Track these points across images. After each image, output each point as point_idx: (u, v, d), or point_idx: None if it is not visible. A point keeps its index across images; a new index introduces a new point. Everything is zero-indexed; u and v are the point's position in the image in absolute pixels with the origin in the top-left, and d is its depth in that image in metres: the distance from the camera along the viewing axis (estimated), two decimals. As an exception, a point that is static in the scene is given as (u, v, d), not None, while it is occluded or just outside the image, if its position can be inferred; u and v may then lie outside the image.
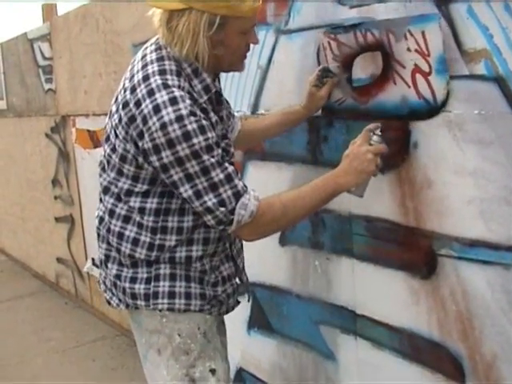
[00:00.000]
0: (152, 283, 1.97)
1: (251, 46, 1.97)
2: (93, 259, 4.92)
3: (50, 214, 5.78)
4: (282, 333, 2.82)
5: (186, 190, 1.80)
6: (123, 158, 1.88)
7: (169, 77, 1.81)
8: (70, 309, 5.45)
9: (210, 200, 1.80)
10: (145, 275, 1.98)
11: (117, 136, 1.88)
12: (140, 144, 1.80)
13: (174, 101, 1.75)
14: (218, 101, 1.99)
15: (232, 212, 1.82)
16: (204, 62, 1.84)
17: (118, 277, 2.02)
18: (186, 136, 1.73)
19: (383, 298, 2.25)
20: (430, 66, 1.93)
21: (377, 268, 2.25)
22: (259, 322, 2.96)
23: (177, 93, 1.77)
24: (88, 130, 4.66)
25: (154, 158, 1.78)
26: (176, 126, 1.73)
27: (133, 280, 1.99)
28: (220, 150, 1.83)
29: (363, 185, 1.99)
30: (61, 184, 5.45)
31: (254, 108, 2.75)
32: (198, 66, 1.86)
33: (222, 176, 1.79)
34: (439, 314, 2.04)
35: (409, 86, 2.01)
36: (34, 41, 5.55)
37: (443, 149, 1.93)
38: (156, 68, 1.83)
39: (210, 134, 1.78)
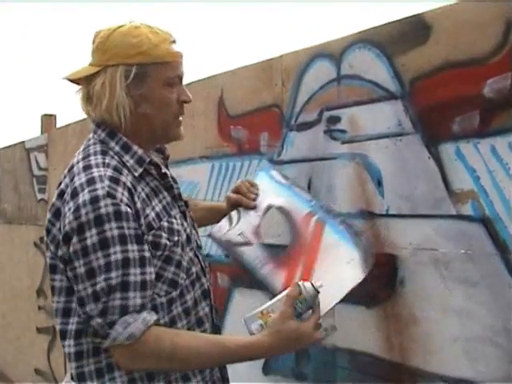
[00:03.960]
0: None
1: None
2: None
3: (32, 324, 5.66)
4: None
5: (84, 288, 1.57)
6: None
7: (94, 168, 1.66)
8: (44, 424, 5.27)
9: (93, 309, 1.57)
10: None
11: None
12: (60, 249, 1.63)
13: (91, 181, 1.60)
14: (160, 176, 1.81)
15: (111, 325, 1.56)
16: (126, 119, 1.68)
17: None
18: (98, 220, 1.55)
19: (366, 434, 2.20)
20: None
21: (360, 403, 2.21)
22: None
23: (96, 174, 1.62)
24: (77, 242, 4.63)
25: (63, 250, 1.60)
26: (89, 208, 1.55)
27: None
28: (145, 246, 1.62)
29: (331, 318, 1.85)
30: (45, 294, 5.37)
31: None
32: (126, 140, 1.73)
33: (119, 280, 1.55)
34: None
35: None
36: (30, 150, 5.63)
37: (429, 286, 1.94)
38: (81, 166, 1.71)
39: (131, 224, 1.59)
